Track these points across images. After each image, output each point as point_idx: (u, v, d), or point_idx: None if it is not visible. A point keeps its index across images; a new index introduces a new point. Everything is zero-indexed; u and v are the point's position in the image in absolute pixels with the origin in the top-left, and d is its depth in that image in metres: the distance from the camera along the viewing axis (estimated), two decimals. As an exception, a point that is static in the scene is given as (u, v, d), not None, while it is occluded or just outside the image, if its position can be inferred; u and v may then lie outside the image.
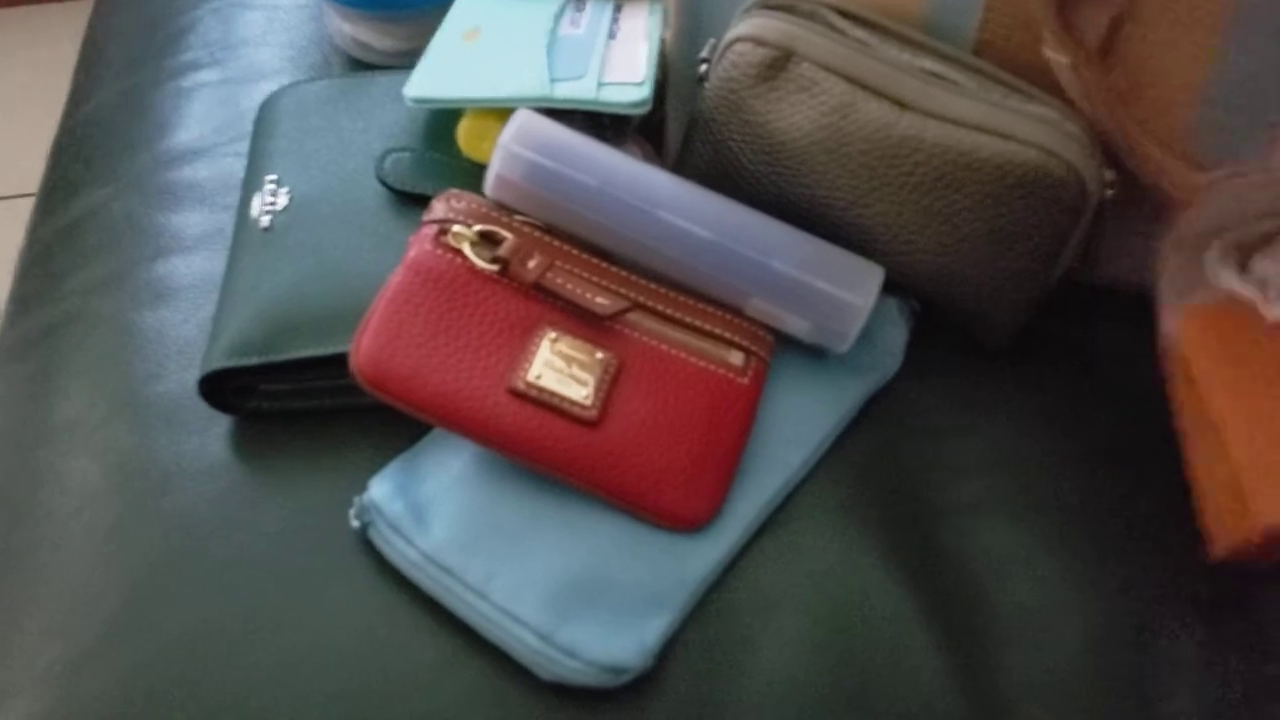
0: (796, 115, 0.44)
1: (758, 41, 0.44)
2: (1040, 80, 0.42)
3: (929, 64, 0.43)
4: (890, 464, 0.46)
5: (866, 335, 0.47)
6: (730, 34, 0.45)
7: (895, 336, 0.48)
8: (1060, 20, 0.41)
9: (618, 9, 0.52)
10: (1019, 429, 0.47)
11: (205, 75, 0.62)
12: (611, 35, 0.50)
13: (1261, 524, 0.38)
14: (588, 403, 0.42)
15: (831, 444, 0.46)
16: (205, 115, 0.60)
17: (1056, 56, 0.41)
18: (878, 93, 0.43)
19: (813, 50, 0.43)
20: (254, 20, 0.66)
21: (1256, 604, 0.42)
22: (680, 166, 0.50)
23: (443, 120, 0.50)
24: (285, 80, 0.60)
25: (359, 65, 0.61)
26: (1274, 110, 0.42)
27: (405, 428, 0.44)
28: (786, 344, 0.47)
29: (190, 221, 0.54)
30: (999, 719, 0.39)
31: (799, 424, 0.45)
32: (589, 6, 0.52)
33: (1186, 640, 0.41)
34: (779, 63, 0.44)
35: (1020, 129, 0.41)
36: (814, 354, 0.47)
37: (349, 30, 0.60)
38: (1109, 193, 0.43)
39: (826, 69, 0.43)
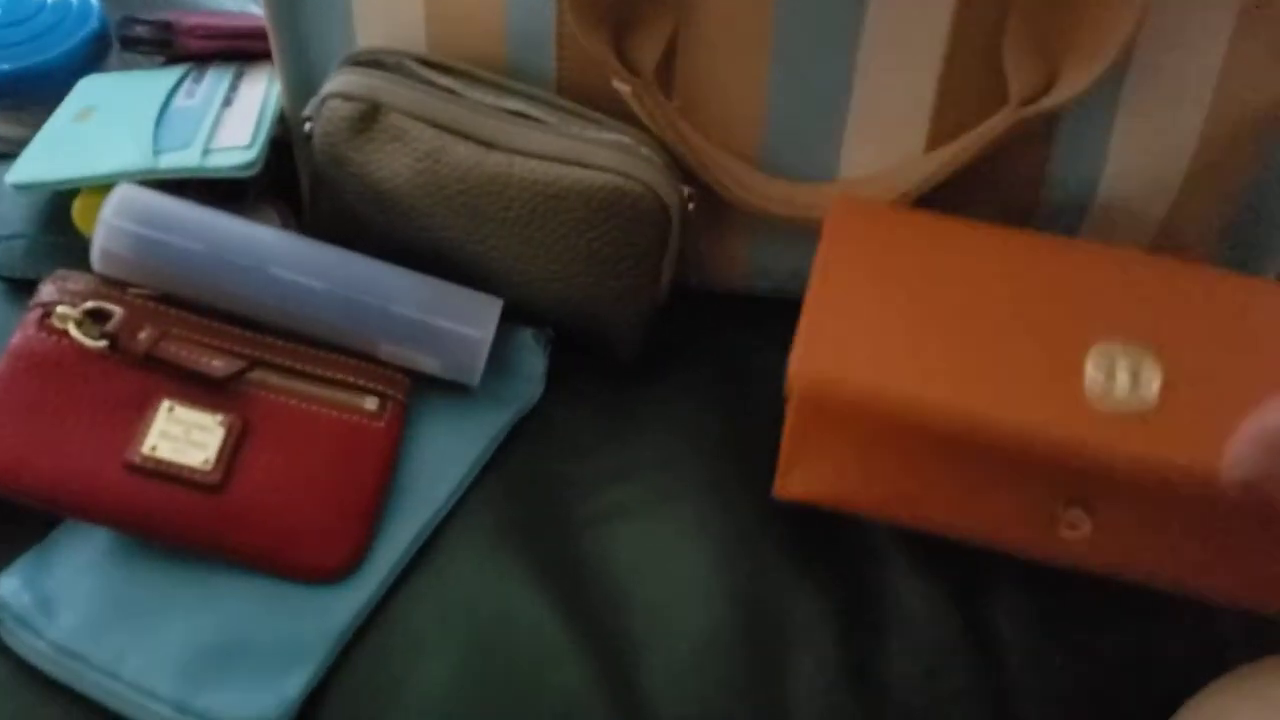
0: (394, 163, 0.46)
1: (345, 96, 0.45)
2: (616, 110, 0.45)
3: (513, 104, 0.46)
4: (536, 484, 0.47)
5: (505, 365, 0.49)
6: (322, 91, 0.46)
7: (534, 364, 0.50)
8: (616, 54, 0.44)
9: (239, 76, 0.53)
10: (654, 433, 0.49)
11: None
12: (228, 103, 0.51)
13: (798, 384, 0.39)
14: (208, 468, 0.42)
15: (480, 471, 0.47)
16: None
17: (621, 86, 0.44)
18: (464, 135, 0.45)
19: (398, 100, 0.45)
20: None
21: (883, 565, 0.46)
22: (310, 224, 0.51)
23: (59, 202, 0.49)
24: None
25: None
26: (835, 114, 0.46)
27: (43, 522, 0.42)
28: (431, 383, 0.48)
29: None
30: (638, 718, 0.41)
31: (443, 458, 0.47)
32: (207, 77, 0.53)
33: (812, 609, 0.44)
34: (369, 115, 0.45)
35: (597, 157, 0.44)
36: (458, 389, 0.48)
37: (-22, 120, 0.58)
38: (690, 206, 0.46)
39: (413, 117, 0.45)
